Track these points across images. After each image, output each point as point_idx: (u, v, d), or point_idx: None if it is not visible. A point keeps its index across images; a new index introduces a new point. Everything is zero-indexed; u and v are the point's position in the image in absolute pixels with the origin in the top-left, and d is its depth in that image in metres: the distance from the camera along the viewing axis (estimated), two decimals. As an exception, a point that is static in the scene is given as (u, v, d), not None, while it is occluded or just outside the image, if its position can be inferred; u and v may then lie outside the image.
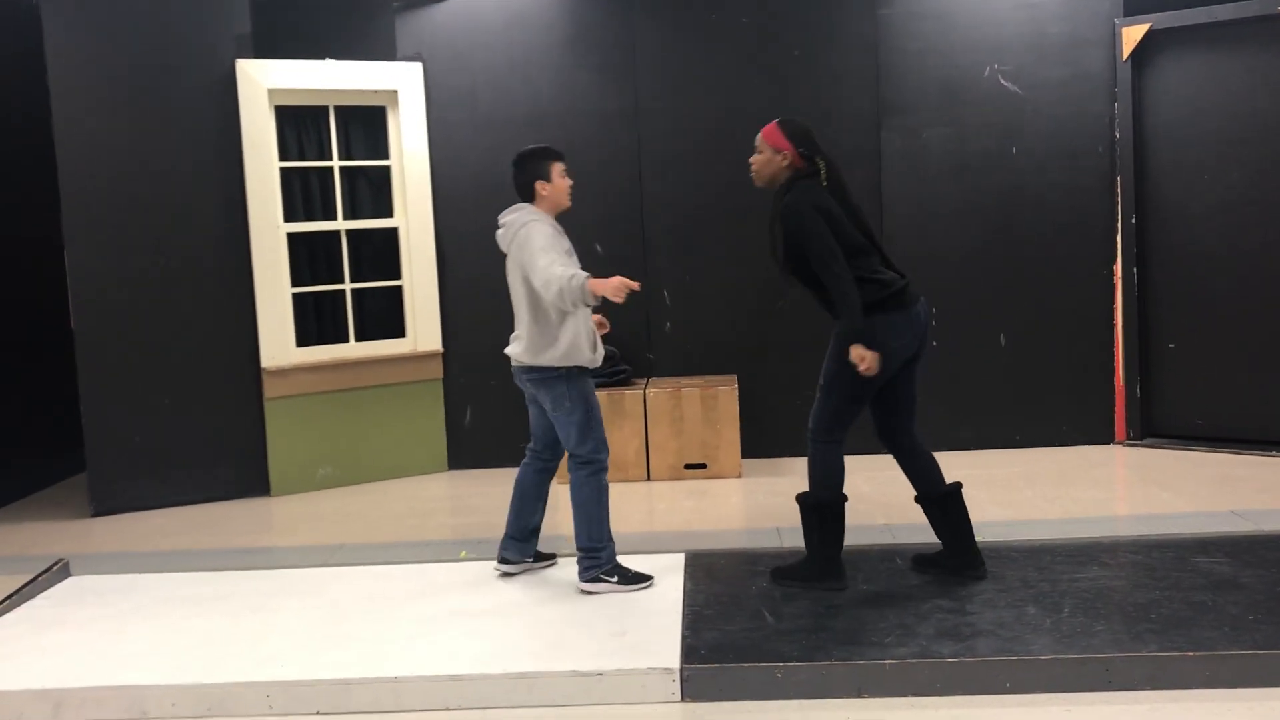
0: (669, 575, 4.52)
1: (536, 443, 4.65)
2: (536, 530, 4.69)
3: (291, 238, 6.64)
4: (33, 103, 6.81)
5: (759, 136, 4.33)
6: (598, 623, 4.05)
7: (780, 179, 4.29)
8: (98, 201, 6.20)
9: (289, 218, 6.65)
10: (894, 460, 4.44)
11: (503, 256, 4.50)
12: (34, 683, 3.74)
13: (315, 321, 6.82)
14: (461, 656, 3.80)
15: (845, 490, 4.33)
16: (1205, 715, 3.33)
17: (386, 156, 6.86)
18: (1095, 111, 6.68)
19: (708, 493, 6.20)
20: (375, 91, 6.72)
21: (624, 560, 4.53)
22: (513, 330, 4.49)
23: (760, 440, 6.84)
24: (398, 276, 6.90)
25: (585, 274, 4.19)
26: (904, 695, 3.54)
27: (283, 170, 6.60)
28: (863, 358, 4.04)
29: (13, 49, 6.97)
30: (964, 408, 6.87)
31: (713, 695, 3.59)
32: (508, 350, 4.50)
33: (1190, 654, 3.53)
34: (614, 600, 4.30)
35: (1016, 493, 5.84)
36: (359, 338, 6.88)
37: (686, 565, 4.64)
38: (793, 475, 6.41)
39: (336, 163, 6.76)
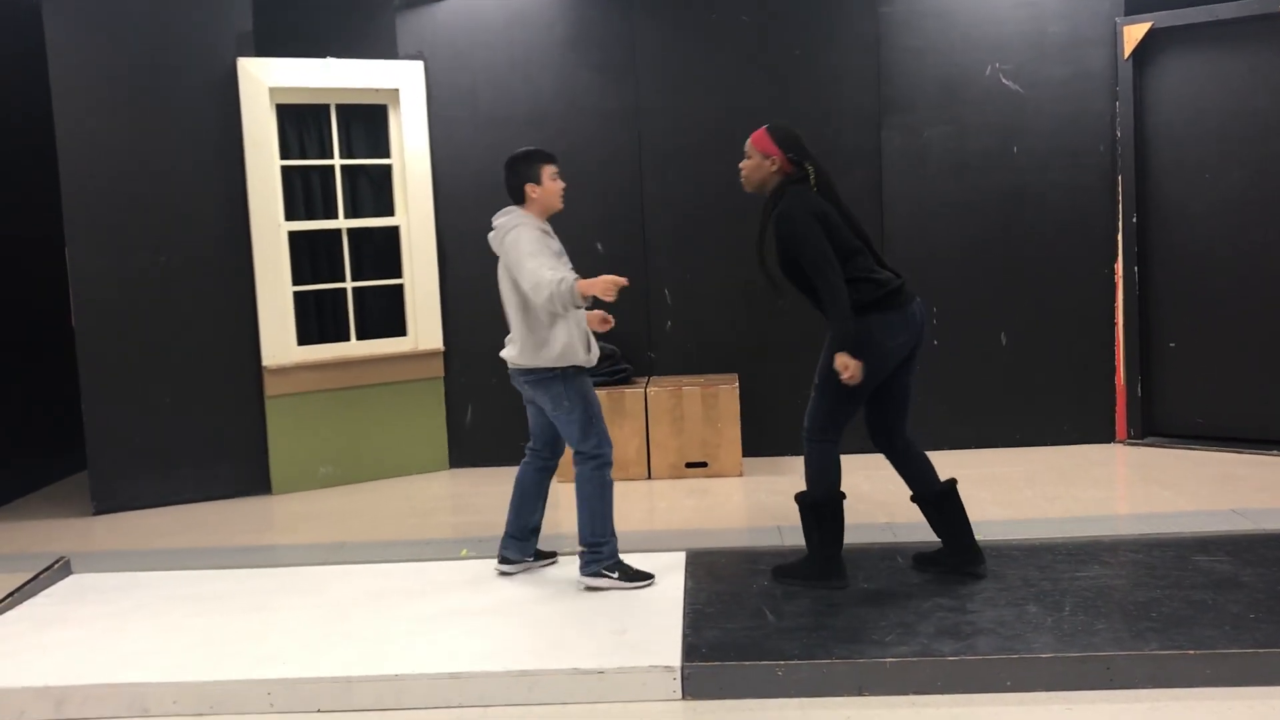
0: (670, 573, 4.52)
1: (536, 442, 4.65)
2: (536, 529, 4.69)
3: (293, 236, 6.64)
4: (33, 102, 6.81)
5: (748, 142, 4.34)
6: (598, 621, 4.05)
7: (769, 184, 4.30)
8: (99, 200, 6.20)
9: (290, 216, 6.66)
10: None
11: (500, 256, 4.51)
12: (35, 680, 3.75)
13: (316, 320, 6.82)
14: (462, 654, 3.80)
15: (845, 489, 4.34)
16: (1206, 713, 3.33)
17: (387, 155, 6.86)
18: (1096, 110, 6.68)
19: (708, 491, 6.20)
20: (376, 90, 6.72)
21: (625, 559, 4.52)
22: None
23: (761, 439, 6.84)
24: (399, 275, 6.91)
25: (574, 276, 4.19)
26: (905, 693, 3.54)
27: (284, 169, 6.60)
28: (846, 366, 4.05)
29: (14, 48, 6.97)
30: (965, 407, 6.88)
31: (713, 693, 3.59)
32: (503, 354, 4.51)
33: (1191, 652, 3.53)
34: (615, 598, 4.31)
35: (1017, 492, 5.84)
36: (360, 336, 6.88)
37: (687, 563, 4.65)
38: (793, 474, 6.41)
39: (338, 161, 6.76)
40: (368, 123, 6.85)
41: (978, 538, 4.43)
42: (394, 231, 6.89)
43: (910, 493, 4.44)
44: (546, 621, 4.09)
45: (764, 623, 3.96)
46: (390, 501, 6.31)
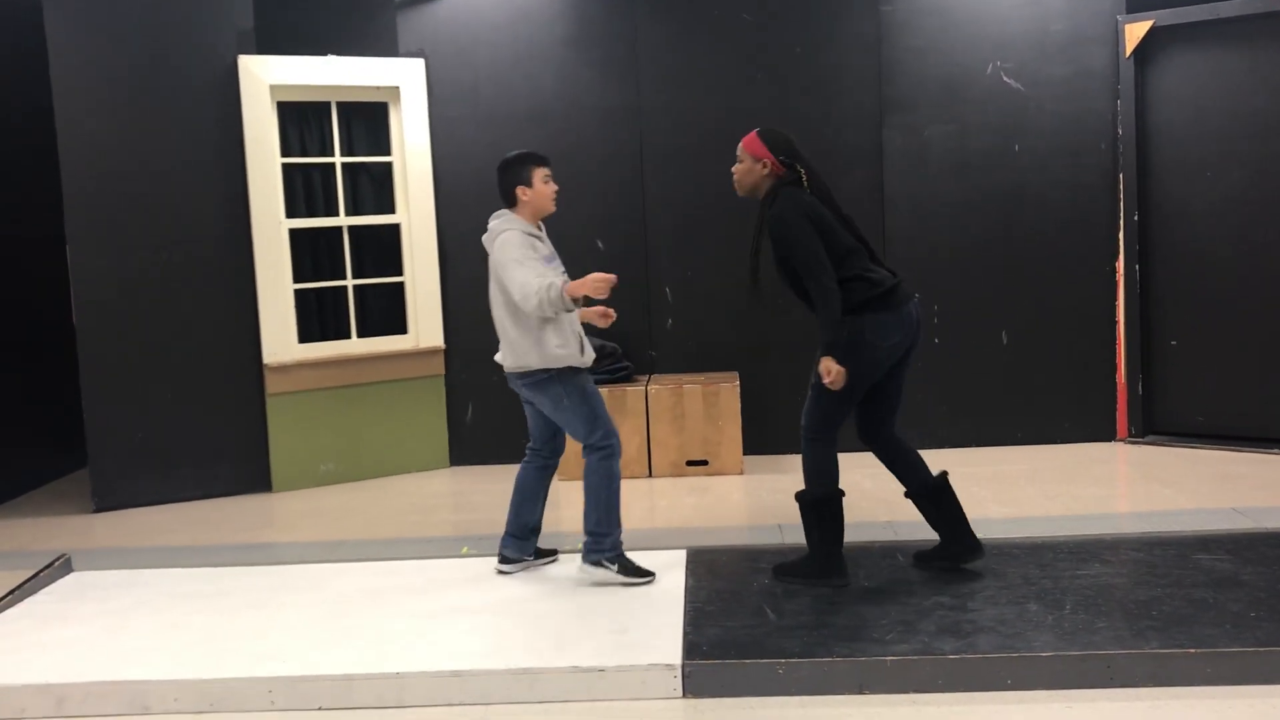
0: (670, 571, 4.52)
1: (536, 441, 4.65)
2: (537, 528, 4.69)
3: (293, 234, 6.64)
4: (34, 101, 6.81)
5: (740, 146, 4.34)
6: (599, 619, 4.05)
7: (762, 188, 4.31)
8: (99, 198, 6.20)
9: (291, 214, 6.66)
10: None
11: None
12: (36, 678, 3.75)
13: (317, 317, 6.82)
14: (463, 652, 3.80)
15: (846, 487, 4.34)
16: (1206, 712, 3.33)
17: (388, 152, 6.86)
18: (1098, 109, 6.67)
19: (709, 489, 6.20)
20: (377, 87, 6.72)
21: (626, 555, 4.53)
22: None
23: (762, 437, 6.84)
24: (400, 272, 6.91)
25: (561, 281, 4.20)
26: (905, 692, 3.54)
27: (285, 166, 6.60)
28: (829, 371, 4.05)
29: (15, 47, 6.97)
30: (966, 405, 6.87)
31: (714, 691, 3.59)
32: (497, 358, 4.51)
33: (1191, 651, 3.53)
34: (615, 597, 4.30)
35: (1018, 490, 5.84)
36: (361, 334, 6.88)
37: (688, 562, 4.65)
38: (794, 472, 6.40)
39: (339, 159, 6.76)
40: (369, 120, 6.85)
41: (979, 536, 4.43)
42: (395, 229, 6.89)
43: (903, 489, 4.44)
44: (547, 619, 4.09)
45: (765, 621, 3.96)
46: (391, 499, 6.31)
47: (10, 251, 6.93)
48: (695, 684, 3.59)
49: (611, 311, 4.54)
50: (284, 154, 6.61)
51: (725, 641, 3.78)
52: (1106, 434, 6.84)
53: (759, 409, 6.85)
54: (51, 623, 4.31)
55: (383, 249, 6.91)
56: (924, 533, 4.69)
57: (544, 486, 4.67)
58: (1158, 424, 6.82)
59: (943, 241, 6.80)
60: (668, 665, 3.61)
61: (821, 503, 4.28)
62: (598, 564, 4.43)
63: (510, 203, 4.47)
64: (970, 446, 6.85)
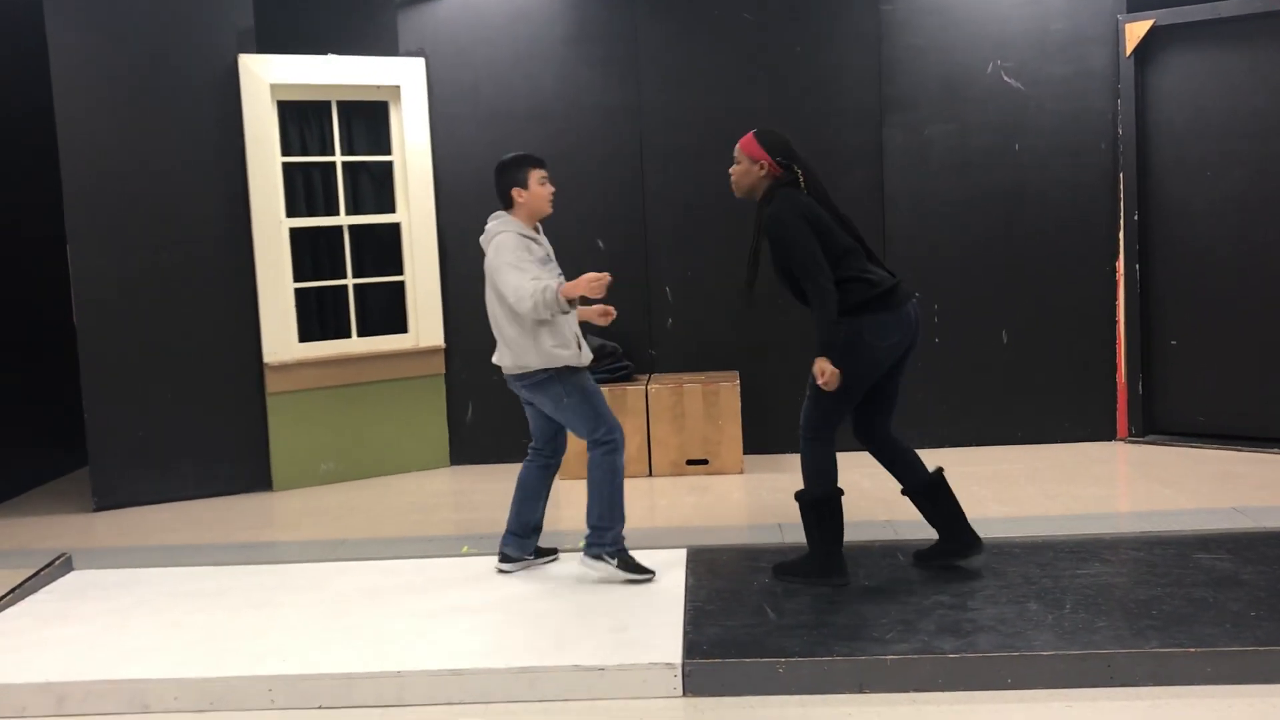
0: (671, 570, 4.52)
1: (537, 441, 4.65)
2: (538, 528, 4.69)
3: (294, 233, 6.64)
4: (34, 101, 6.81)
5: (736, 148, 4.34)
6: (599, 618, 4.06)
7: (759, 189, 4.31)
8: (100, 198, 6.20)
9: (291, 213, 6.66)
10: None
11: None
12: (36, 676, 3.75)
13: (318, 317, 6.82)
14: (463, 651, 3.80)
15: (845, 486, 4.34)
16: (1206, 711, 3.33)
17: (389, 151, 6.86)
18: (1098, 108, 6.67)
19: (709, 489, 6.20)
20: (378, 86, 6.72)
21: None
22: None
23: (762, 436, 6.84)
24: (400, 272, 6.91)
25: (556, 283, 4.20)
26: (905, 691, 3.54)
27: (285, 165, 6.60)
28: (823, 372, 4.06)
29: (15, 47, 6.96)
30: (966, 404, 6.87)
31: (714, 690, 3.59)
32: (495, 359, 4.51)
33: (1192, 650, 3.53)
34: (615, 596, 4.31)
35: (1018, 489, 5.84)
36: (361, 333, 6.88)
37: (688, 561, 4.65)
38: (794, 471, 6.39)
39: (339, 158, 6.76)
40: (369, 119, 6.85)
41: (980, 535, 4.43)
42: (395, 228, 6.89)
43: (900, 487, 4.44)
44: (547, 618, 4.09)
45: (765, 620, 3.96)
46: (391, 498, 6.32)
47: (10, 251, 6.93)
48: (695, 683, 3.60)
49: (611, 309, 4.54)
50: (284, 153, 6.61)
51: (725, 640, 3.78)
52: (1107, 433, 6.84)
53: (759, 408, 6.85)
54: (52, 621, 4.31)
55: (383, 248, 6.91)
56: (923, 532, 4.69)
57: (546, 485, 4.67)
58: (1158, 423, 6.82)
59: (943, 241, 6.80)
60: (668, 664, 3.61)
61: (821, 502, 4.28)
62: (599, 558, 4.44)
63: (507, 205, 4.48)
64: (970, 446, 6.85)
